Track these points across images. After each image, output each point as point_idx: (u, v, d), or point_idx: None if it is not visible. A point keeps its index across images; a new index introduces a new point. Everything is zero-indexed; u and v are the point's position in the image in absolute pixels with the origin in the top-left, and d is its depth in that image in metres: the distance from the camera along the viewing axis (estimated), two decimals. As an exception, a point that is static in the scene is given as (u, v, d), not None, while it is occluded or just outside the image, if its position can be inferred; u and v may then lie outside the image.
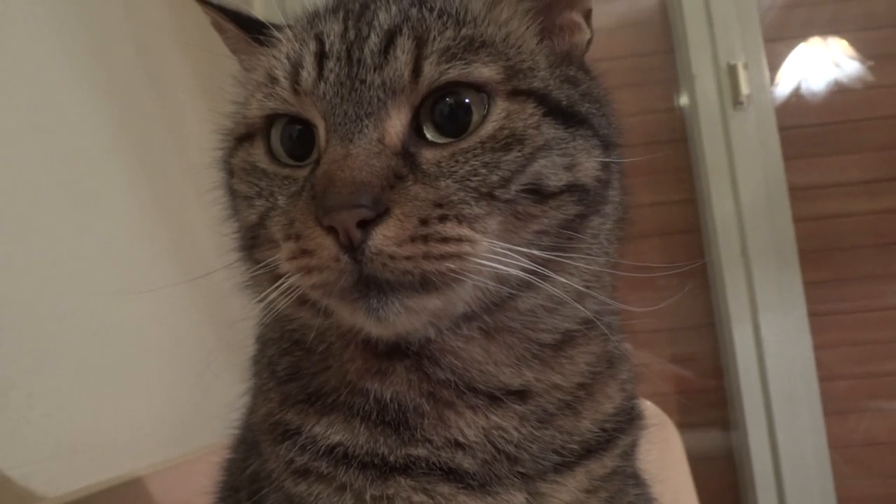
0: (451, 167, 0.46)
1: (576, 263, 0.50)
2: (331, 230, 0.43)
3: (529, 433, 0.52)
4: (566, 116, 0.50)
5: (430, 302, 0.46)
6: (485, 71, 0.48)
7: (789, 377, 1.81)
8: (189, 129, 1.44)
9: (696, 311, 1.94)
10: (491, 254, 0.45)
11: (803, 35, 2.06)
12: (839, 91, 2.04)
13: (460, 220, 0.44)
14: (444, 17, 0.50)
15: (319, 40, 0.50)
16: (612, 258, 0.55)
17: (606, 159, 0.52)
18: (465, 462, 0.51)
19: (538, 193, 0.47)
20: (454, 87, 0.48)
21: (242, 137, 0.55)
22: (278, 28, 0.56)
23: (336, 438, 0.52)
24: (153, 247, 1.23)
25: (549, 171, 0.48)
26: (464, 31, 0.49)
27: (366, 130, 0.46)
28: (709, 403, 1.94)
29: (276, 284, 0.48)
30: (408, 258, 0.43)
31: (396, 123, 0.47)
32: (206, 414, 1.30)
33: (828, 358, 1.86)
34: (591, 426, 0.55)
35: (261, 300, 0.52)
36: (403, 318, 0.46)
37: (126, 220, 1.17)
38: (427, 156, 0.47)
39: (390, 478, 0.50)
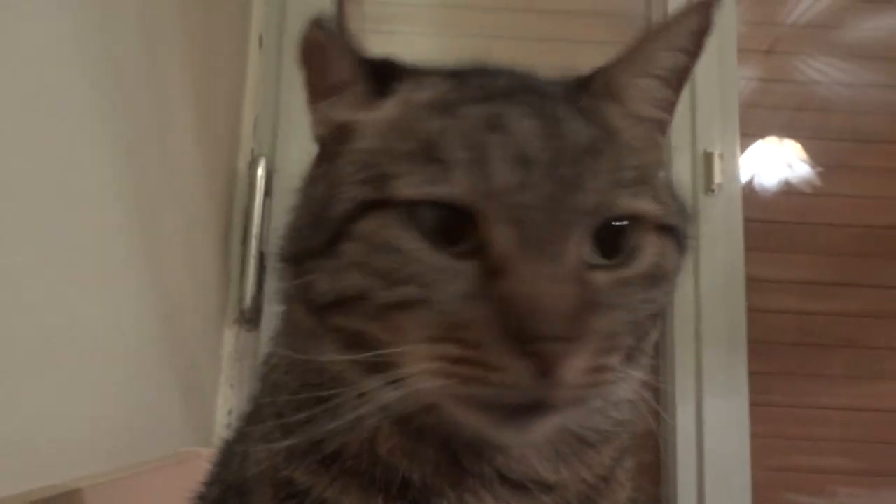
0: (619, 297, 0.46)
1: (639, 375, 0.51)
2: (527, 355, 0.41)
3: None
4: (683, 250, 0.52)
5: (567, 419, 0.47)
6: (651, 205, 0.48)
7: (725, 462, 1.84)
8: (179, 140, 1.39)
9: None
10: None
11: (761, 134, 2.17)
12: (788, 192, 2.15)
13: (618, 351, 0.45)
14: (626, 146, 0.49)
15: (511, 136, 0.46)
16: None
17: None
18: None
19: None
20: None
21: (372, 205, 0.47)
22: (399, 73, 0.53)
23: None
24: (123, 249, 1.17)
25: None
26: (637, 161, 0.49)
27: (565, 253, 0.44)
28: (642, 478, 1.95)
29: (389, 377, 0.45)
30: (581, 387, 0.42)
31: (582, 247, 0.45)
32: (151, 429, 1.23)
33: (756, 447, 1.92)
34: None
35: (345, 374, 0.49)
36: (543, 433, 0.46)
37: (100, 217, 1.10)
38: (598, 281, 0.46)
39: None
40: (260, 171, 1.78)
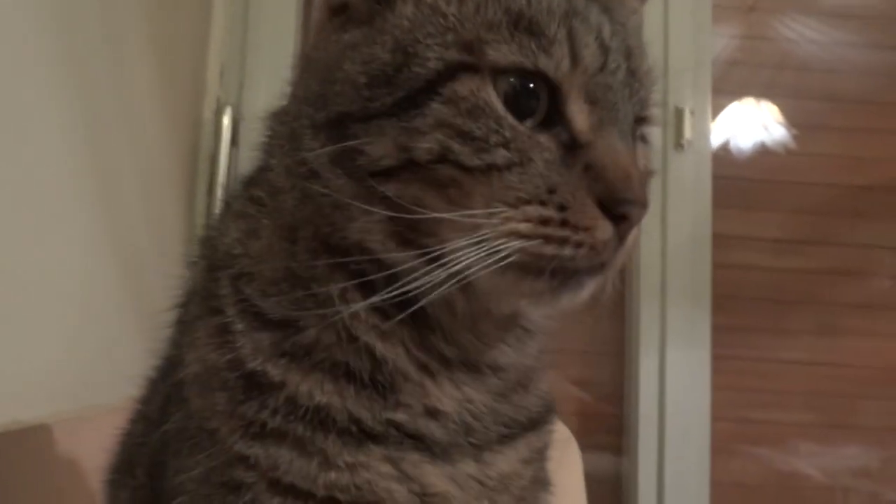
0: None
1: None
2: (614, 218, 0.46)
3: (491, 406, 0.53)
4: None
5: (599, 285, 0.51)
6: (655, 113, 0.56)
7: (686, 413, 1.89)
8: (139, 86, 1.36)
9: (606, 338, 2.01)
10: None
11: (739, 93, 2.17)
12: (763, 153, 2.16)
13: None
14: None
15: (591, 23, 0.49)
16: None
17: None
18: (438, 431, 0.50)
19: None
20: None
21: (461, 67, 0.47)
22: None
23: (322, 400, 0.48)
24: (76, 188, 1.15)
25: None
26: None
27: (632, 136, 0.51)
28: (604, 428, 2.00)
29: (430, 253, 0.47)
30: (625, 254, 0.48)
31: None
32: (109, 371, 1.23)
33: (717, 400, 1.96)
34: (535, 401, 0.58)
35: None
36: (586, 298, 0.49)
37: (52, 155, 1.08)
38: None
39: (363, 445, 0.48)
40: (226, 120, 1.76)
